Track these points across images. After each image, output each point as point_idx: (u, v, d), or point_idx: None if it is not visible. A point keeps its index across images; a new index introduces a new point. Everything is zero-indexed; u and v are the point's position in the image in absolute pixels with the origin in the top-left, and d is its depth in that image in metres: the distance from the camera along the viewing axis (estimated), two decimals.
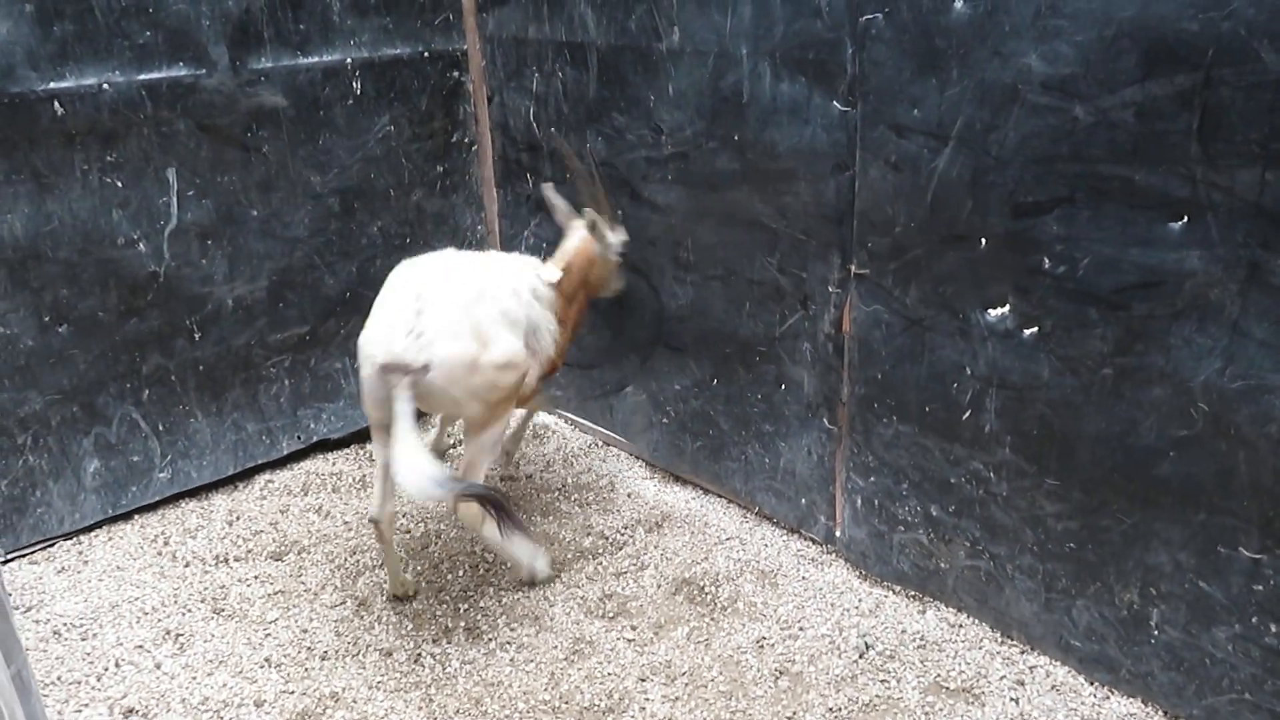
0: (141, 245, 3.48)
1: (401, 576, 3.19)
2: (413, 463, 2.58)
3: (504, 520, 2.77)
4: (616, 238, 3.48)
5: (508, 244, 4.44)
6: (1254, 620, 2.35)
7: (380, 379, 2.73)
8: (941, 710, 2.66)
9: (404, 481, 2.58)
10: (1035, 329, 2.57)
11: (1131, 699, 2.65)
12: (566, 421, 4.43)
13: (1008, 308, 2.62)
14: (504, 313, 2.99)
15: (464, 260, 3.15)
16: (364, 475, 3.99)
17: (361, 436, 4.23)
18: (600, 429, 4.25)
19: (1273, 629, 2.32)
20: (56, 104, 3.20)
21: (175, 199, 3.52)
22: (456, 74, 4.21)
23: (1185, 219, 2.23)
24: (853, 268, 2.97)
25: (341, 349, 4.12)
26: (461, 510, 3.00)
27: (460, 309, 2.84)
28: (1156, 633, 2.54)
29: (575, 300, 3.45)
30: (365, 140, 3.97)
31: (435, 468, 2.59)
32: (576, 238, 3.47)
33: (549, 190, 3.57)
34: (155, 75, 3.39)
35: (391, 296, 2.88)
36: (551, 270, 3.33)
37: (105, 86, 3.28)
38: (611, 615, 3.09)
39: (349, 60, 3.85)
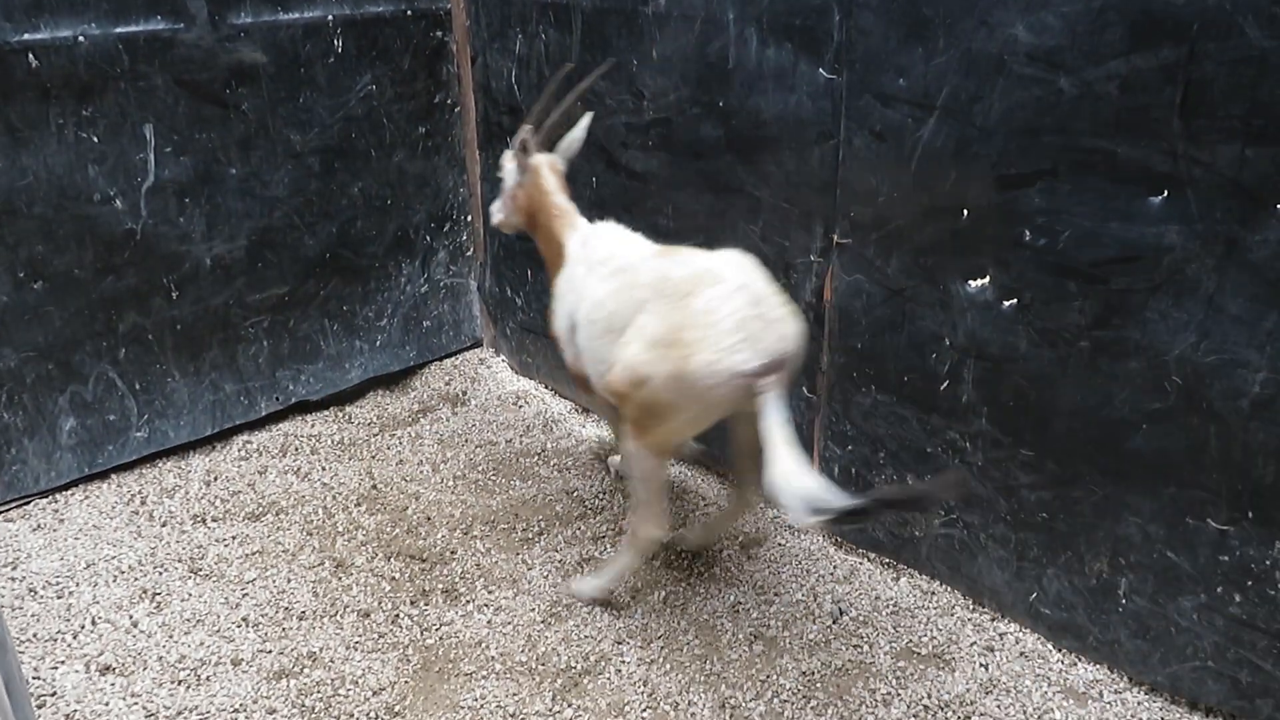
0: (118, 202, 3.43)
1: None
2: (805, 468, 2.27)
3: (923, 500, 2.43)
4: (545, 161, 3.16)
5: (488, 208, 4.41)
6: (1219, 590, 2.40)
7: (747, 388, 2.36)
8: (913, 675, 2.70)
9: (805, 488, 2.21)
10: (1014, 301, 2.59)
11: (1098, 665, 2.70)
12: (547, 388, 4.43)
13: (988, 279, 2.63)
14: None
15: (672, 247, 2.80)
16: (343, 437, 3.98)
17: (339, 399, 4.22)
18: (569, 399, 4.26)
19: (1237, 599, 2.37)
20: (31, 56, 3.14)
21: (153, 155, 3.47)
22: (440, 33, 4.16)
23: (1165, 194, 2.24)
24: (835, 237, 2.97)
25: (321, 310, 4.09)
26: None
27: (769, 282, 2.52)
28: (1124, 602, 2.59)
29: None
30: (346, 99, 3.93)
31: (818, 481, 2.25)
32: (550, 172, 3.15)
33: (523, 134, 3.10)
34: (132, 28, 3.33)
35: (718, 297, 2.39)
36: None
37: (81, 39, 3.22)
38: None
39: (330, 17, 3.80)
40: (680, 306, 2.43)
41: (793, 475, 2.23)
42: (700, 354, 2.35)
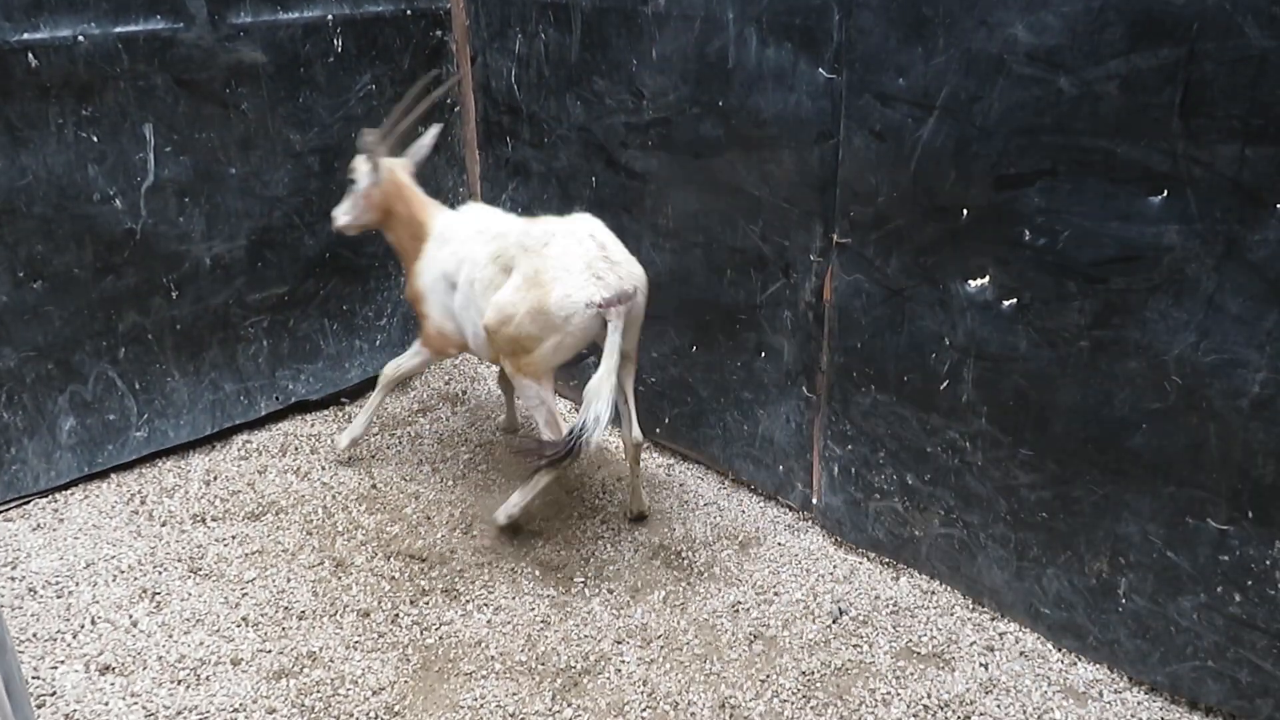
0: (118, 201, 3.43)
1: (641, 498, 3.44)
2: (609, 397, 2.88)
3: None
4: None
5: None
6: (1219, 590, 2.40)
7: (597, 318, 2.91)
8: (912, 674, 2.70)
9: (600, 411, 2.84)
10: (1014, 300, 2.59)
11: (1098, 665, 2.70)
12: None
13: (987, 279, 2.63)
14: None
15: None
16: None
17: (339, 399, 4.22)
18: (569, 399, 4.25)
19: (1236, 599, 2.37)
20: (31, 55, 3.14)
21: (152, 155, 3.47)
22: (439, 33, 4.16)
23: (1165, 193, 2.24)
24: (835, 236, 2.97)
25: (321, 310, 4.09)
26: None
27: (615, 237, 3.09)
28: (1124, 601, 2.59)
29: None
30: (346, 99, 3.93)
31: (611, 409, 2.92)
32: (403, 172, 3.52)
33: (369, 136, 3.41)
34: (132, 28, 3.33)
35: (567, 246, 2.96)
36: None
37: (80, 38, 3.22)
38: (589, 578, 3.11)
39: (330, 17, 3.80)
40: (539, 254, 2.97)
41: (605, 393, 2.87)
42: (556, 289, 2.89)
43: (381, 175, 3.46)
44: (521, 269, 2.99)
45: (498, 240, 3.15)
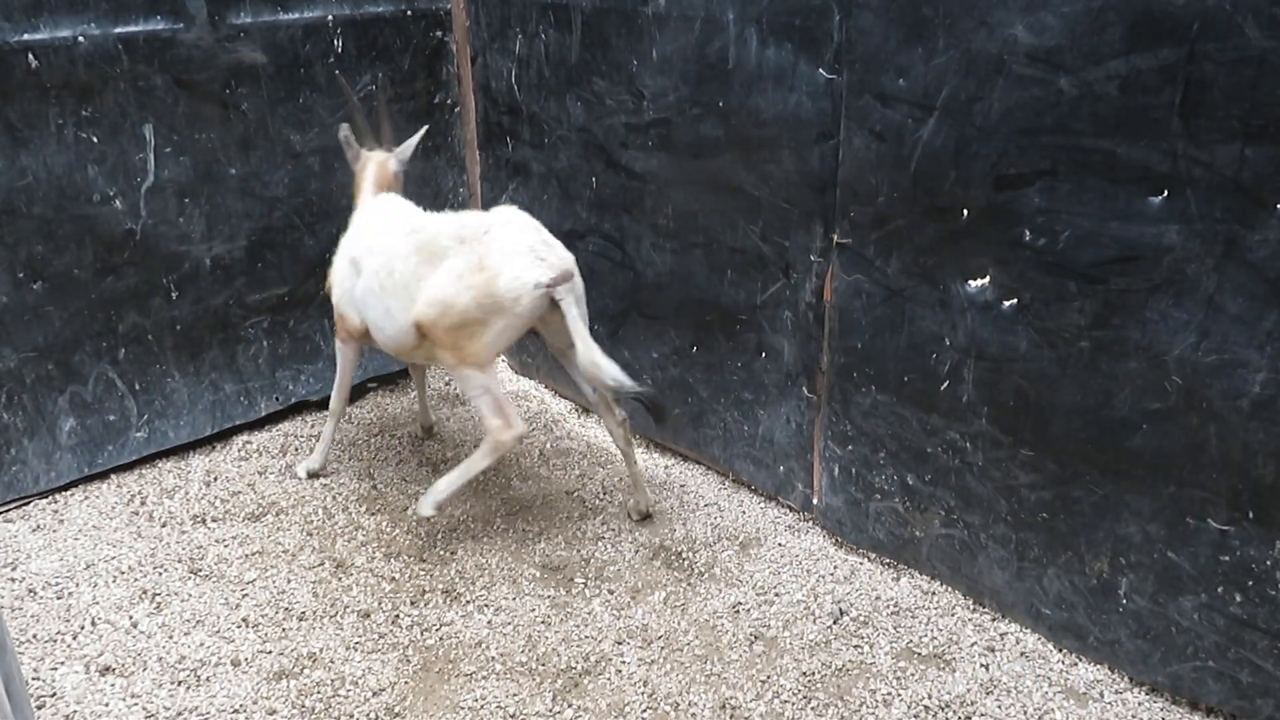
0: (118, 202, 3.43)
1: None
2: (607, 358, 2.97)
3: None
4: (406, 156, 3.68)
5: (488, 207, 4.41)
6: (1220, 590, 2.40)
7: (545, 298, 2.99)
8: (913, 675, 2.70)
9: (608, 369, 2.95)
10: (1014, 301, 2.59)
11: (1099, 666, 2.70)
12: (547, 388, 4.43)
13: (988, 279, 2.63)
14: None
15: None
16: (343, 438, 3.98)
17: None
18: (569, 399, 4.26)
19: (1237, 599, 2.37)
20: (30, 56, 3.14)
21: (152, 155, 3.47)
22: (440, 33, 4.16)
23: (1165, 194, 2.24)
24: (835, 237, 2.97)
25: (321, 310, 4.09)
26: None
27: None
28: (1125, 601, 2.59)
29: None
30: (346, 99, 3.92)
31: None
32: (374, 165, 3.58)
33: (343, 130, 3.56)
34: (132, 28, 3.33)
35: (509, 233, 3.04)
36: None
37: (80, 39, 3.22)
38: (589, 579, 3.11)
39: (330, 17, 3.80)
40: (480, 242, 3.02)
41: (599, 354, 2.96)
42: (506, 272, 2.95)
43: (356, 163, 3.61)
44: (462, 258, 3.01)
45: (422, 233, 3.14)
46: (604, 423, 3.43)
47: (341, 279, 3.40)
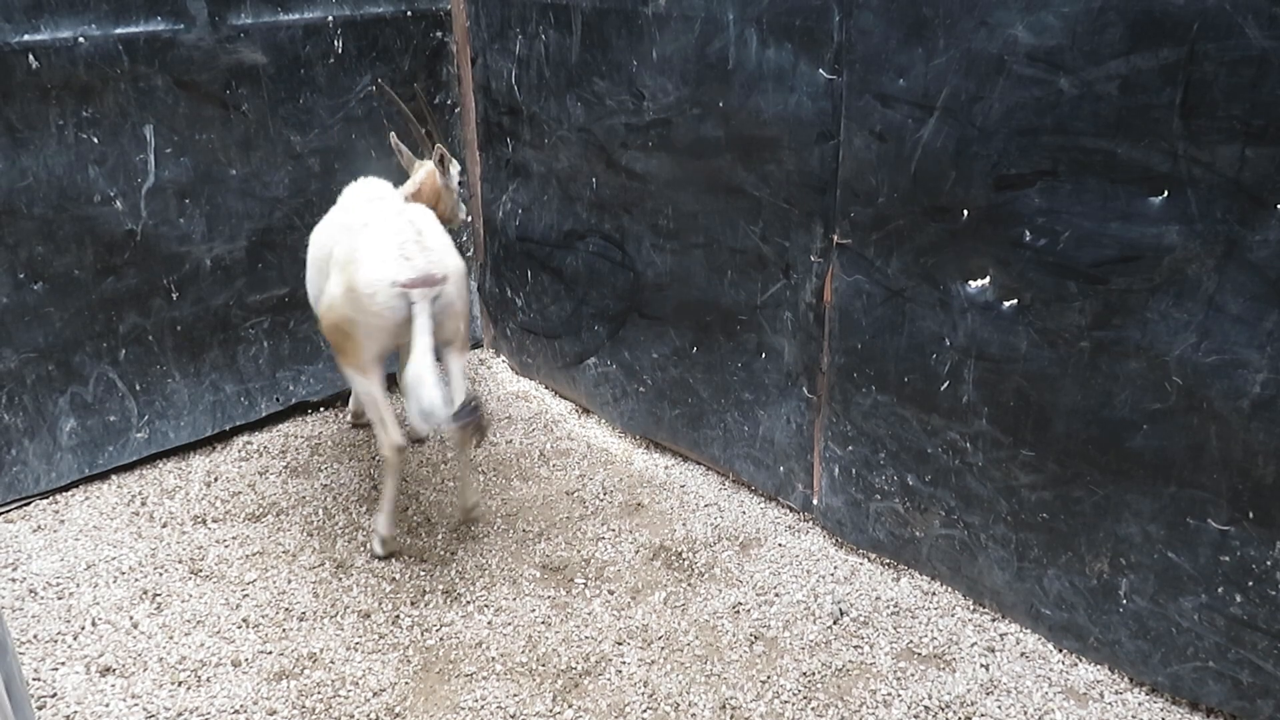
0: (118, 203, 3.43)
1: (391, 531, 3.22)
2: (433, 381, 2.71)
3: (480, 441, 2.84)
4: (455, 170, 3.65)
5: (488, 207, 4.42)
6: (1220, 590, 2.39)
7: (402, 299, 2.81)
8: (913, 675, 2.70)
9: (426, 398, 2.69)
10: (1015, 301, 2.58)
11: (1099, 666, 2.70)
12: (547, 388, 4.43)
13: (988, 280, 2.63)
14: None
15: (391, 190, 3.43)
16: (342, 438, 3.98)
17: (340, 400, 4.22)
18: (569, 399, 4.26)
19: (1237, 599, 2.36)
20: (31, 57, 3.14)
21: (153, 156, 3.47)
22: (440, 34, 4.16)
23: (1165, 194, 2.24)
24: (835, 237, 2.97)
25: None
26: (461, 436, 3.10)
27: (440, 229, 3.06)
28: (1125, 602, 2.59)
29: None
30: (347, 100, 3.93)
31: (446, 392, 2.76)
32: (423, 171, 3.58)
33: (393, 138, 3.63)
34: (132, 29, 3.33)
35: (383, 227, 2.92)
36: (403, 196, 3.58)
37: (81, 40, 3.22)
38: (589, 579, 3.11)
39: (330, 18, 3.80)
40: (356, 234, 2.92)
41: (428, 381, 2.69)
42: (364, 268, 2.82)
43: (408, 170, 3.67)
44: (343, 250, 2.96)
45: (344, 225, 3.10)
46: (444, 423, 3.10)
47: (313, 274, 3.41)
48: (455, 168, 3.67)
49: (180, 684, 2.68)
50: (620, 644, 2.83)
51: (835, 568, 3.16)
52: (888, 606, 2.97)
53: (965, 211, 2.62)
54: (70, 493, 3.56)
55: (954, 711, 2.57)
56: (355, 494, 3.57)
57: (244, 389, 3.95)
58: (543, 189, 4.04)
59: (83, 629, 2.89)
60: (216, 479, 3.67)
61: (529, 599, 3.02)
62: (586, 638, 2.86)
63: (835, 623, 2.91)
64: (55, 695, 2.64)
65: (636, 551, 3.25)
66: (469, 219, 3.90)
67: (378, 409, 3.02)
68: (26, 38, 3.12)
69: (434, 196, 3.58)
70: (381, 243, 2.86)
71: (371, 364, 2.98)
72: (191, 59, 3.47)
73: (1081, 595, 2.68)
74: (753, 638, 2.85)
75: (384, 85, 3.72)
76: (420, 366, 2.72)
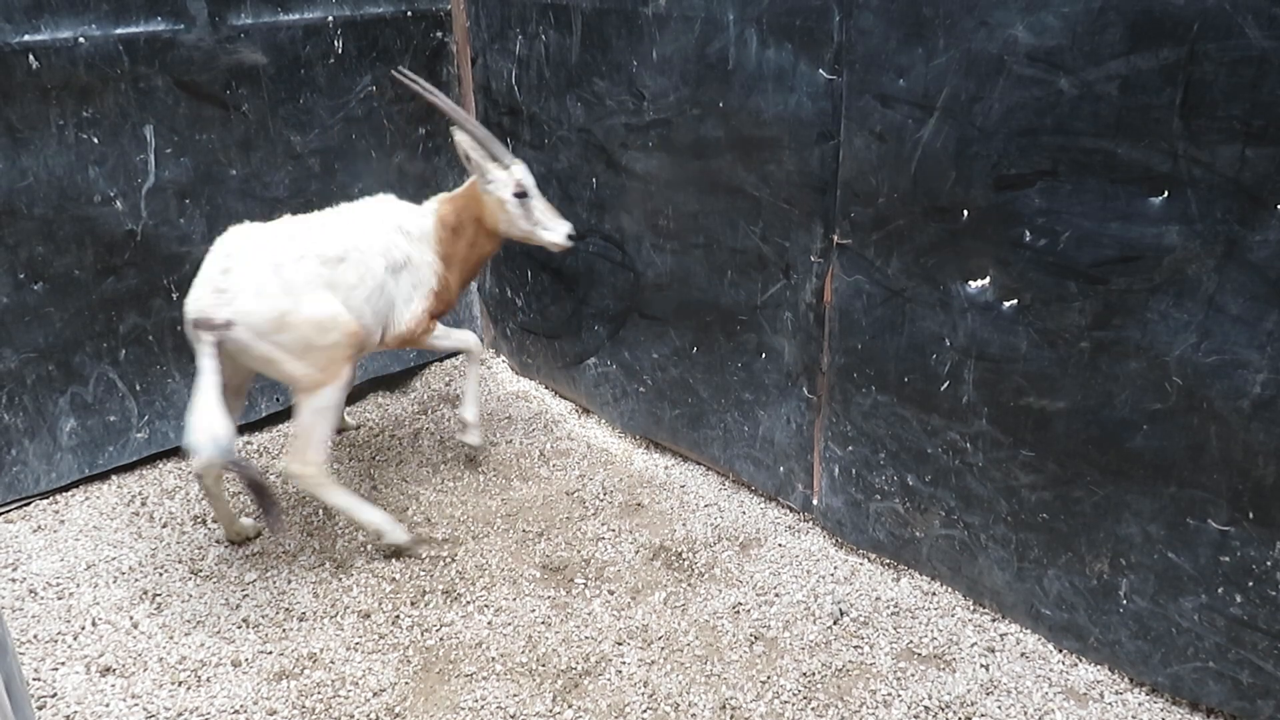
0: (118, 203, 3.43)
1: (237, 524, 3.27)
2: (202, 420, 2.61)
3: (266, 510, 2.75)
4: (500, 173, 3.38)
5: None
6: (1220, 591, 2.39)
7: (192, 335, 2.77)
8: (913, 676, 2.70)
9: (190, 439, 2.61)
10: (1015, 301, 2.58)
11: (1099, 666, 2.70)
12: (547, 388, 4.43)
13: (988, 280, 2.63)
14: (332, 272, 2.99)
15: (297, 221, 3.16)
16: (341, 438, 3.98)
17: None
18: (569, 399, 4.26)
19: (1238, 599, 2.36)
20: (31, 57, 3.14)
21: (153, 156, 3.47)
22: (440, 34, 4.17)
23: (1165, 194, 2.24)
24: (835, 237, 2.97)
25: None
26: (297, 472, 3.01)
27: (270, 267, 2.86)
28: (1125, 602, 2.59)
29: (464, 236, 3.45)
30: (347, 100, 3.93)
31: (223, 431, 2.62)
32: (468, 185, 3.48)
33: (459, 137, 3.37)
34: (132, 29, 3.33)
35: (207, 258, 2.89)
36: (426, 206, 3.45)
37: (81, 40, 3.22)
38: (589, 580, 3.11)
39: (330, 18, 3.80)
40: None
41: (214, 416, 2.61)
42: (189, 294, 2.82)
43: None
44: None
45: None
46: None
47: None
48: (504, 174, 3.40)
49: (180, 684, 2.68)
50: (620, 644, 2.83)
51: (835, 568, 3.16)
52: (888, 607, 2.97)
53: (965, 212, 2.62)
54: (70, 493, 3.57)
55: (954, 712, 2.57)
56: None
57: None
58: (543, 189, 4.02)
59: (83, 629, 2.89)
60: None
61: (529, 599, 3.02)
62: (586, 638, 2.86)
63: (835, 623, 2.91)
64: (55, 695, 2.64)
65: (636, 552, 3.25)
66: (569, 239, 3.47)
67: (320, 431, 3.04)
68: (27, 38, 3.13)
69: (476, 213, 3.45)
70: (204, 270, 2.86)
71: (234, 391, 3.01)
72: (191, 59, 3.47)
73: (1081, 595, 2.68)
74: (753, 638, 2.85)
75: (404, 72, 3.52)
76: (195, 402, 2.64)
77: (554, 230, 3.46)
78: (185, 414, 2.68)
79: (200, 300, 2.78)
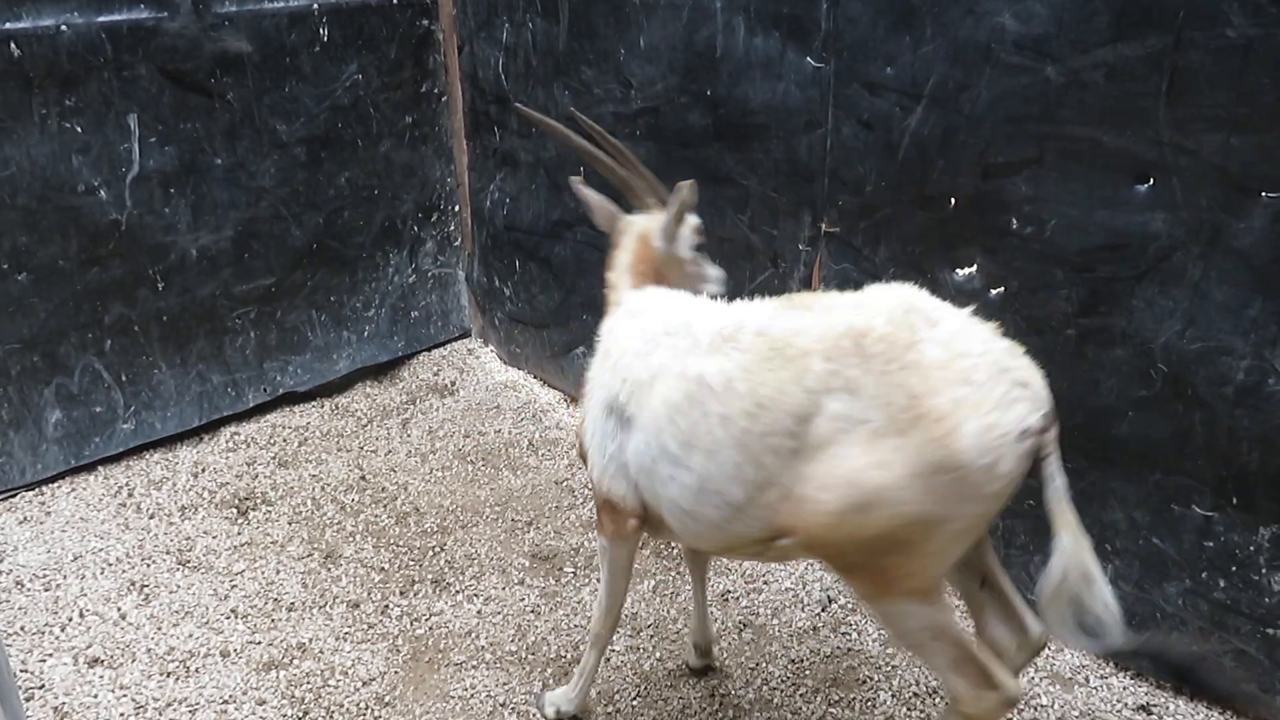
0: (102, 193, 3.41)
1: None
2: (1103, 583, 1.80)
3: None
4: (688, 229, 2.44)
5: (475, 198, 4.41)
6: (1204, 575, 2.41)
7: (1026, 456, 1.75)
8: (901, 662, 2.71)
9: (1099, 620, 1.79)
10: (1001, 289, 2.59)
11: (1083, 651, 2.71)
12: (535, 377, 4.43)
13: (975, 268, 2.64)
14: None
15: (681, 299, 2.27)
16: (329, 429, 3.97)
17: (327, 390, 4.21)
18: (557, 388, 4.26)
19: (1221, 584, 2.38)
20: (13, 45, 3.11)
21: (137, 145, 3.45)
22: (426, 22, 4.14)
23: (1151, 182, 2.25)
24: (823, 225, 2.97)
25: (308, 301, 4.08)
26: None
27: None
28: (1110, 587, 2.60)
29: None
30: (333, 89, 3.91)
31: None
32: (632, 236, 2.43)
33: (577, 185, 2.60)
34: (115, 17, 3.30)
35: (959, 339, 1.82)
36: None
37: (63, 28, 3.19)
38: (579, 568, 3.12)
39: (315, 6, 3.77)
40: (904, 366, 1.72)
41: (1097, 580, 1.76)
42: (969, 420, 1.67)
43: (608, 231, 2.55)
44: (869, 400, 1.72)
45: (751, 348, 1.85)
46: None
47: (598, 435, 2.15)
48: (682, 225, 2.41)
49: (169, 675, 2.68)
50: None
51: None
52: None
53: (952, 199, 2.62)
54: (56, 484, 3.55)
55: (941, 697, 2.58)
56: (343, 484, 3.57)
57: (231, 379, 3.93)
58: (530, 178, 4.03)
59: (70, 620, 2.88)
60: (204, 470, 3.66)
61: (518, 588, 3.03)
62: (576, 626, 2.86)
63: (823, 610, 2.92)
64: (43, 686, 2.63)
65: None
66: (720, 287, 2.50)
67: (958, 644, 1.87)
68: (8, 25, 3.10)
69: (649, 270, 2.40)
70: (977, 372, 1.75)
71: (942, 584, 1.94)
72: (175, 47, 3.45)
73: None
74: (742, 625, 2.86)
75: (523, 108, 2.76)
76: (1086, 552, 1.81)
77: (713, 278, 2.56)
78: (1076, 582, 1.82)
79: (1029, 390, 1.79)
